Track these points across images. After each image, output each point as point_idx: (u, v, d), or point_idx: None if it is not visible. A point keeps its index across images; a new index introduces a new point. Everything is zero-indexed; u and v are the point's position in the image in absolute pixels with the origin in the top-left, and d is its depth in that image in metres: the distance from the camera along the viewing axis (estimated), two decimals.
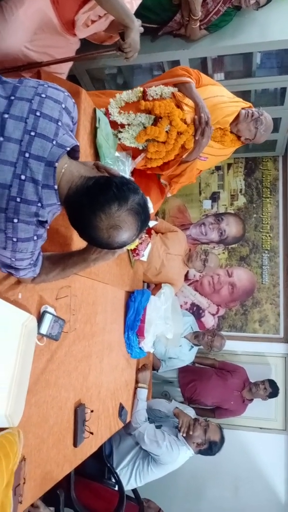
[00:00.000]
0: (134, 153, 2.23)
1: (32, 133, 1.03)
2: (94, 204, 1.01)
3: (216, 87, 2.33)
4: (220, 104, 2.30)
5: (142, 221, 1.07)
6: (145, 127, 2.15)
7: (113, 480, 2.50)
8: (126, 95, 2.17)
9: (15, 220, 1.03)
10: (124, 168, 1.82)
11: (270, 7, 2.66)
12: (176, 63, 2.88)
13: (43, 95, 1.07)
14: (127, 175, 1.86)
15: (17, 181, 1.02)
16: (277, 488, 3.62)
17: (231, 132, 2.40)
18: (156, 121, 2.14)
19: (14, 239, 1.06)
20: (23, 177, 1.02)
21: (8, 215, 1.03)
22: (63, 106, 1.10)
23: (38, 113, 1.05)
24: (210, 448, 2.60)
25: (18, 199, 1.02)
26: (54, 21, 1.72)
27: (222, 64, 3.06)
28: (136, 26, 1.75)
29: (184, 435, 2.58)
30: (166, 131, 2.14)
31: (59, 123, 1.07)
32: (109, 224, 1.02)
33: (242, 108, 2.35)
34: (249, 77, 3.02)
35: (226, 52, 2.87)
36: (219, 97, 2.31)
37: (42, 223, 1.09)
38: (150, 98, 2.18)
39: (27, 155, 1.02)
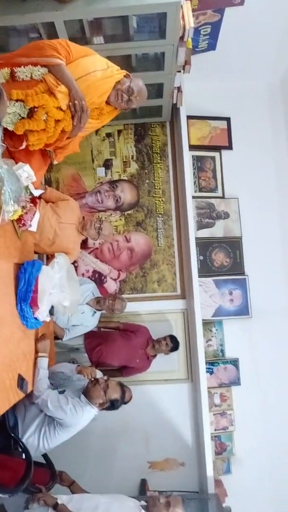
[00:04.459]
0: (15, 137, 2.18)
1: None
2: None
3: (88, 58, 2.30)
4: (93, 83, 2.30)
5: None
6: (21, 117, 2.11)
7: (20, 450, 2.53)
8: None
9: None
10: None
11: None
12: (51, 25, 2.79)
13: None
14: None
15: None
16: (184, 435, 3.88)
17: (107, 103, 2.43)
18: (31, 110, 2.11)
19: None
20: None
21: None
22: None
23: None
24: (113, 405, 2.72)
25: None
26: None
27: (100, 28, 3.01)
28: None
29: (92, 381, 2.69)
30: (44, 120, 2.13)
31: None
32: None
33: (116, 83, 2.37)
34: (128, 41, 3.03)
35: (100, 15, 2.83)
36: (91, 75, 2.29)
37: None
38: (19, 79, 2.13)
39: None
